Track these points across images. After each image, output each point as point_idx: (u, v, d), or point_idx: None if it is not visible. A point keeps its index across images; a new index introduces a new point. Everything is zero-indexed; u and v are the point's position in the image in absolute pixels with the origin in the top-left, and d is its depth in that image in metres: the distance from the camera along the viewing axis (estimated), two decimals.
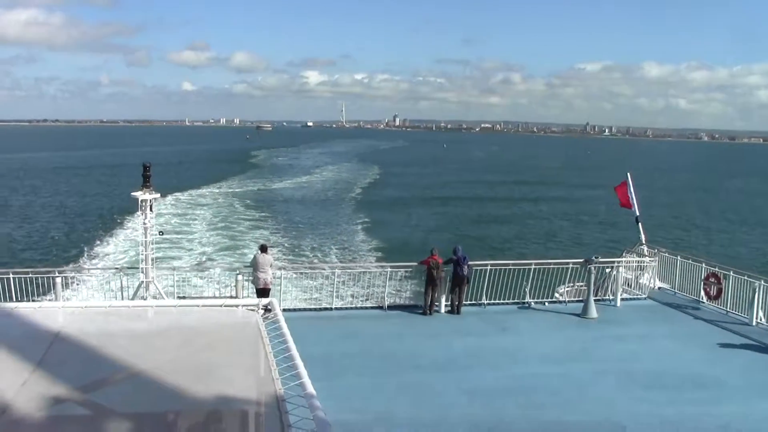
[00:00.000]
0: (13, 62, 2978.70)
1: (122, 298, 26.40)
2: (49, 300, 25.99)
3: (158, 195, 26.54)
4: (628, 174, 34.71)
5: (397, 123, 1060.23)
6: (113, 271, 31.70)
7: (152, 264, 26.05)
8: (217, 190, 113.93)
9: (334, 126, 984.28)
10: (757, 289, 27.47)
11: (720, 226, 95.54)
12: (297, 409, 6.91)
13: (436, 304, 28.73)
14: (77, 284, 33.72)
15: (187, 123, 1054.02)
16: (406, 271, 30.50)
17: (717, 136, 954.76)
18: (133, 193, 25.84)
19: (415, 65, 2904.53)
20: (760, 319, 27.76)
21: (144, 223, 25.68)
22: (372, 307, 29.20)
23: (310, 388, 7.23)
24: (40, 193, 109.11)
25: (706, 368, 23.12)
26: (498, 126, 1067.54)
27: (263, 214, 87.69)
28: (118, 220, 74.19)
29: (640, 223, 34.03)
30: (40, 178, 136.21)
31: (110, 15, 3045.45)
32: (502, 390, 20.46)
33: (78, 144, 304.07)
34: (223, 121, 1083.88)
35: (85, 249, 61.40)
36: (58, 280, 26.64)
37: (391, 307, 29.03)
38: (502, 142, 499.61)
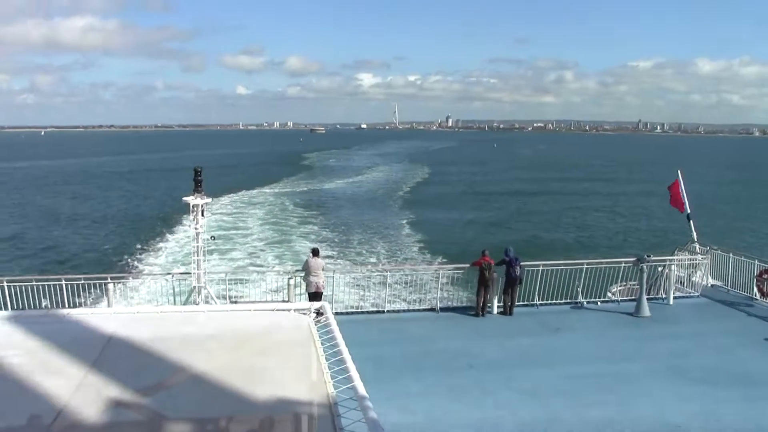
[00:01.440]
0: (69, 68, 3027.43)
1: (174, 303, 26.59)
2: (102, 305, 26.27)
3: (210, 200, 26.64)
4: (679, 172, 34.45)
5: (450, 124, 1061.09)
6: (165, 276, 31.89)
7: (204, 269, 26.17)
8: (270, 191, 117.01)
9: (387, 128, 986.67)
10: None
11: None
12: (349, 412, 6.91)
13: (489, 305, 28.71)
14: (129, 290, 34.00)
15: (241, 127, 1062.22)
16: (457, 273, 30.40)
17: None
18: (184, 198, 25.98)
19: (467, 65, 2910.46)
20: None
21: (195, 228, 25.76)
22: (424, 309, 29.18)
23: (362, 391, 7.22)
24: (92, 198, 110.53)
25: (760, 365, 23.03)
26: (550, 125, 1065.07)
27: (314, 214, 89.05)
28: (171, 225, 74.85)
29: (691, 221, 33.78)
30: (93, 183, 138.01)
31: (165, 19, 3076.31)
32: (556, 390, 20.41)
33: (131, 148, 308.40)
34: (276, 124, 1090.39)
35: (137, 254, 62.06)
36: (110, 285, 26.84)
37: (443, 309, 29.03)
38: (552, 141, 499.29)
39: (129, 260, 59.64)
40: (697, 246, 33.21)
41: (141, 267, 56.47)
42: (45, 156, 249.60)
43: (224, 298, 27.75)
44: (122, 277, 36.33)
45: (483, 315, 28.36)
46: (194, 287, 25.94)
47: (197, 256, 25.90)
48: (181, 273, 30.31)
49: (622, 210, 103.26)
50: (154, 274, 41.41)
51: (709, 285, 32.15)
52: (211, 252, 35.20)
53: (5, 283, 26.27)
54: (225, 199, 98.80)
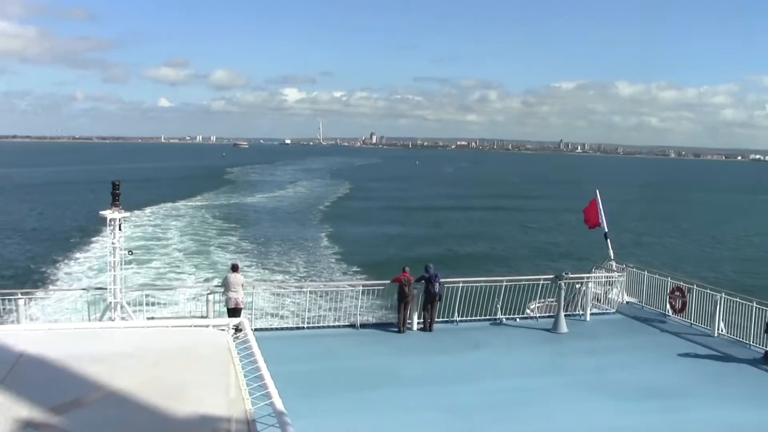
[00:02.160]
0: None
1: (89, 320, 26.13)
2: (11, 323, 25.63)
3: (127, 214, 26.18)
4: (597, 192, 35.03)
5: (374, 140, 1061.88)
6: (80, 291, 31.35)
7: (121, 284, 25.74)
8: (191, 204, 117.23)
9: (311, 143, 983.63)
10: (718, 302, 28.24)
11: (682, 239, 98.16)
12: (268, 429, 6.87)
13: (409, 321, 28.73)
14: (42, 306, 33.34)
15: (163, 140, 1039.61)
16: (378, 289, 30.39)
17: (683, 153, 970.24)
18: (101, 212, 25.51)
19: (393, 83, 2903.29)
20: (721, 330, 28.46)
21: (112, 243, 25.28)
22: (344, 326, 29.08)
23: (281, 407, 7.18)
24: (3, 211, 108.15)
25: (672, 379, 23.62)
26: (473, 143, 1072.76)
27: (235, 227, 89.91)
28: (88, 239, 73.67)
29: (608, 239, 34.34)
30: (4, 195, 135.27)
31: (88, 29, 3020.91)
32: (476, 405, 20.51)
33: (48, 160, 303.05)
34: (199, 138, 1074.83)
35: (52, 269, 60.90)
36: (21, 301, 26.19)
37: (363, 326, 28.99)
38: (474, 159, 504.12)
39: (43, 275, 58.50)
40: (614, 263, 33.75)
41: (55, 282, 55.44)
42: None
43: (142, 314, 27.33)
44: (34, 293, 35.58)
45: (403, 331, 28.40)
46: (110, 303, 25.45)
47: (114, 270, 25.42)
48: (96, 288, 29.80)
49: (541, 227, 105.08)
50: (69, 290, 40.77)
51: (625, 302, 32.69)
52: (129, 264, 34.79)
53: None
54: (146, 211, 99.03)
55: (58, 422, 6.78)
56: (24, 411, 6.91)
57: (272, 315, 30.90)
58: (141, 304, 28.02)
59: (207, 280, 57.53)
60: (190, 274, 60.37)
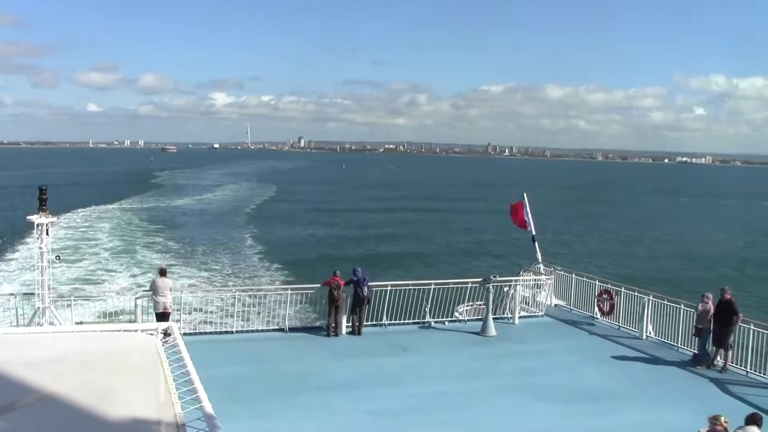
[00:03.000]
0: None
1: (17, 325, 25.82)
2: None
3: (55, 218, 25.96)
4: (525, 195, 35.36)
5: (302, 144, 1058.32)
6: (7, 296, 30.91)
7: (48, 289, 25.48)
8: (118, 206, 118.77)
9: (239, 147, 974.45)
10: (646, 304, 28.59)
11: (607, 242, 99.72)
12: None
13: (338, 324, 28.78)
14: None
15: (91, 144, 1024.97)
16: (307, 293, 30.37)
17: (610, 156, 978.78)
18: (28, 217, 25.26)
19: (323, 87, 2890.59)
20: (649, 333, 28.88)
21: (40, 248, 25.04)
22: (273, 329, 29.05)
23: (210, 411, 7.24)
24: None
25: (601, 381, 23.95)
26: (401, 147, 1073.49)
27: (162, 231, 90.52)
28: (14, 244, 72.56)
29: (536, 242, 34.70)
30: None
31: (17, 34, 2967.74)
32: (406, 409, 20.65)
33: None
34: (127, 143, 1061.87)
35: None
36: None
37: (292, 329, 28.98)
38: (402, 163, 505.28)
39: None
40: (542, 267, 34.10)
41: None
42: None
43: (70, 317, 27.05)
44: None
45: (336, 335, 28.47)
46: (38, 308, 25.23)
47: (41, 276, 25.19)
48: (24, 294, 29.44)
49: (468, 230, 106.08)
50: None
51: (553, 305, 33.03)
52: (58, 267, 34.37)
53: None
54: (73, 215, 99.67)
55: None
56: None
57: (201, 320, 30.69)
58: (69, 307, 27.73)
59: (134, 275, 59.69)
60: (119, 272, 61.97)
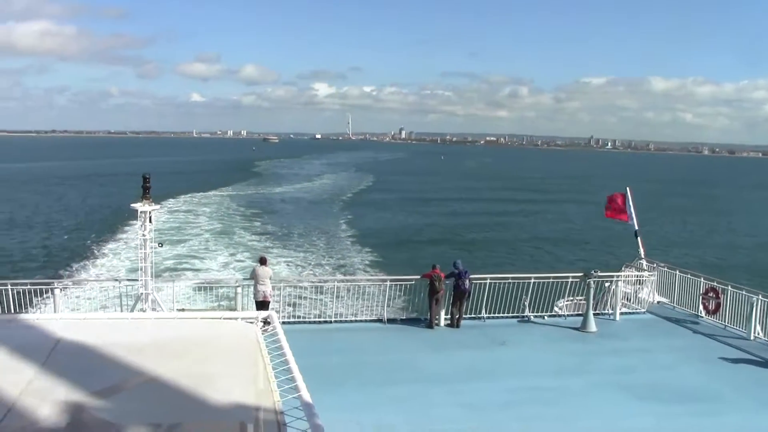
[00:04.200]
0: (24, 72, 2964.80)
1: (121, 310, 26.38)
2: (48, 311, 25.98)
3: (158, 206, 26.45)
4: (628, 189, 34.75)
5: (403, 136, 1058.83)
6: (112, 282, 31.59)
7: (151, 275, 25.94)
8: (220, 194, 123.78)
9: (340, 138, 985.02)
10: (754, 304, 27.66)
11: (715, 238, 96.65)
12: (295, 421, 6.95)
13: (436, 317, 28.75)
14: (76, 296, 33.64)
15: (195, 134, 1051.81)
16: (407, 284, 30.34)
17: (717, 150, 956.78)
18: (132, 205, 25.73)
19: (423, 78, 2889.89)
20: (758, 334, 27.90)
21: (143, 235, 25.49)
22: (371, 320, 29.16)
23: (308, 400, 7.26)
24: (40, 203, 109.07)
25: (704, 382, 23.27)
26: (502, 139, 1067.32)
27: (261, 218, 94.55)
28: (119, 231, 74.20)
29: (639, 238, 34.06)
30: (42, 188, 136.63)
31: (121, 26, 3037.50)
32: (500, 403, 20.53)
33: (83, 154, 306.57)
34: (230, 132, 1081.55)
35: (86, 260, 61.48)
36: (57, 291, 26.62)
37: (390, 321, 29.05)
38: (500, 155, 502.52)
39: (76, 266, 59.07)
40: (644, 262, 33.46)
41: (89, 273, 55.90)
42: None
43: (172, 305, 27.54)
44: (69, 283, 35.89)
45: (433, 327, 28.44)
46: (141, 294, 25.70)
47: (144, 262, 25.66)
48: (128, 280, 30.04)
49: (566, 223, 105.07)
50: (102, 281, 41.02)
51: (656, 302, 32.40)
52: (159, 258, 35.00)
53: None
54: (179, 200, 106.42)
55: (92, 407, 6.91)
56: (61, 395, 7.05)
57: (300, 309, 30.95)
58: (172, 297, 28.23)
59: (232, 254, 63.75)
60: (218, 251, 66.92)
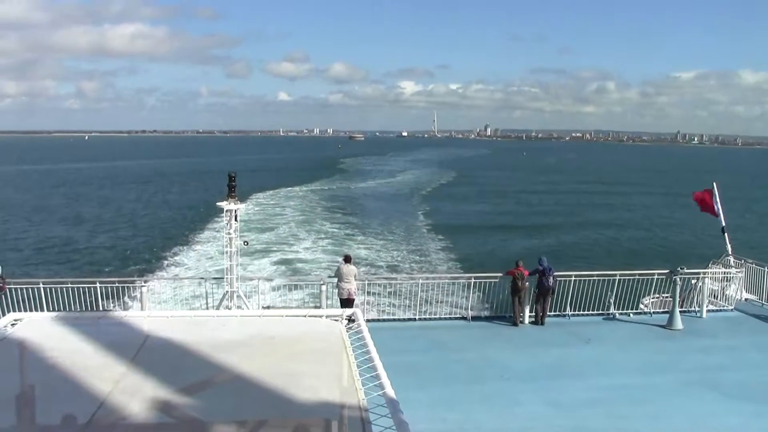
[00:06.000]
0: (115, 74, 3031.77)
1: (207, 308, 26.74)
2: (135, 308, 26.47)
3: (243, 205, 26.78)
4: (714, 184, 34.21)
5: (488, 132, 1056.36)
6: (198, 280, 32.07)
7: (237, 274, 26.27)
8: (305, 189, 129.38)
9: (425, 135, 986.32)
10: None
11: None
12: (380, 418, 6.96)
13: (521, 315, 28.65)
14: (162, 293, 34.22)
15: (281, 133, 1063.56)
16: (491, 281, 30.24)
17: None
18: (218, 203, 26.12)
19: (510, 75, 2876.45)
20: None
21: (229, 233, 25.86)
22: (455, 318, 29.18)
23: (393, 397, 7.28)
24: (128, 201, 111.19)
25: None
26: (588, 135, 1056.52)
27: (343, 209, 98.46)
28: (205, 229, 75.20)
29: (726, 234, 33.47)
30: (132, 186, 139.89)
31: (214, 27, 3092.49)
32: (587, 401, 20.34)
33: (172, 153, 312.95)
34: (316, 131, 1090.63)
35: (172, 257, 62.44)
36: (144, 289, 27.09)
37: (474, 318, 29.02)
38: (585, 151, 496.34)
39: (163, 264, 60.06)
40: (732, 259, 32.86)
41: (175, 271, 56.78)
42: (91, 159, 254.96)
43: (257, 303, 27.84)
44: (156, 281, 36.52)
45: (518, 324, 28.37)
46: (227, 292, 26.06)
47: (230, 260, 26.01)
48: (214, 278, 30.45)
49: (649, 220, 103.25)
50: (188, 278, 41.65)
51: (743, 299, 31.81)
52: (245, 257, 35.41)
53: (41, 285, 26.54)
54: (263, 194, 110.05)
55: (180, 404, 7.03)
56: (150, 392, 7.19)
57: (384, 307, 31.09)
58: (257, 295, 28.54)
59: (321, 275, 61.57)
60: (303, 239, 71.17)
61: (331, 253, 63.12)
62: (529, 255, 32.99)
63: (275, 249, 65.18)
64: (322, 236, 73.70)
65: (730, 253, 33.03)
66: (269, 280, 35.93)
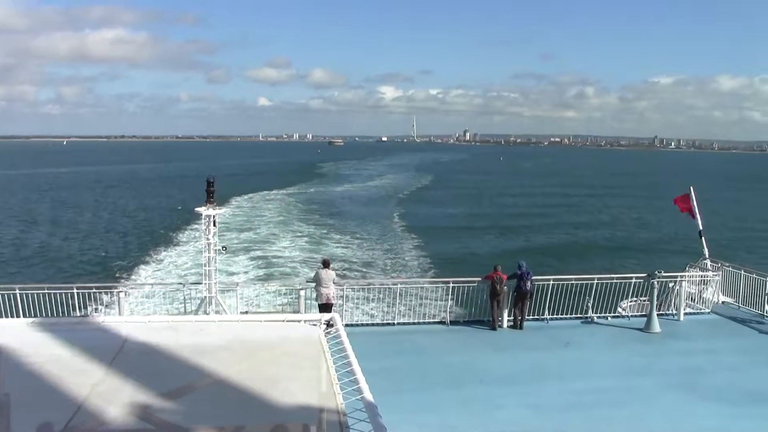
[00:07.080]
0: (95, 80, 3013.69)
1: (185, 313, 26.64)
2: (113, 314, 26.35)
3: (222, 210, 26.68)
4: (692, 188, 34.38)
5: (467, 137, 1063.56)
6: (176, 286, 31.97)
7: (215, 279, 26.20)
8: (283, 192, 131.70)
9: (405, 140, 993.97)
10: None
11: None
12: (359, 423, 6.95)
13: (499, 319, 28.69)
14: (140, 299, 34.09)
15: (261, 138, 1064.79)
16: (469, 286, 30.27)
17: None
18: (196, 209, 26.06)
19: (490, 80, 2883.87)
20: None
21: (207, 239, 25.78)
22: (434, 322, 29.21)
23: (372, 402, 7.27)
24: (103, 207, 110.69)
25: None
26: (566, 140, 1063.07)
27: (320, 211, 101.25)
28: (182, 234, 75.02)
29: (703, 237, 33.66)
30: (107, 191, 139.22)
31: (196, 33, 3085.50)
32: (566, 405, 20.41)
33: (148, 158, 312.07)
34: (296, 136, 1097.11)
35: (149, 263, 62.21)
36: (122, 294, 27.02)
37: (453, 323, 29.05)
38: (561, 156, 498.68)
39: (140, 269, 59.81)
40: (709, 262, 33.06)
41: (153, 276, 56.57)
42: (69, 163, 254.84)
43: (235, 309, 27.78)
44: (133, 286, 36.39)
45: (496, 329, 28.39)
46: (205, 297, 25.98)
47: (208, 266, 25.93)
48: (192, 283, 30.37)
49: (626, 223, 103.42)
50: (166, 284, 41.50)
51: (720, 302, 32.03)
52: (222, 262, 35.32)
53: (17, 291, 26.38)
54: (241, 198, 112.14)
55: (158, 409, 7.00)
56: (127, 397, 7.16)
57: (363, 312, 31.08)
58: (235, 300, 28.49)
59: (299, 280, 61.89)
60: (281, 237, 74.48)
61: (307, 251, 64.42)
62: (504, 256, 33.15)
63: (255, 248, 67.19)
64: (299, 235, 76.69)
65: (707, 256, 33.21)
66: (248, 285, 35.85)
